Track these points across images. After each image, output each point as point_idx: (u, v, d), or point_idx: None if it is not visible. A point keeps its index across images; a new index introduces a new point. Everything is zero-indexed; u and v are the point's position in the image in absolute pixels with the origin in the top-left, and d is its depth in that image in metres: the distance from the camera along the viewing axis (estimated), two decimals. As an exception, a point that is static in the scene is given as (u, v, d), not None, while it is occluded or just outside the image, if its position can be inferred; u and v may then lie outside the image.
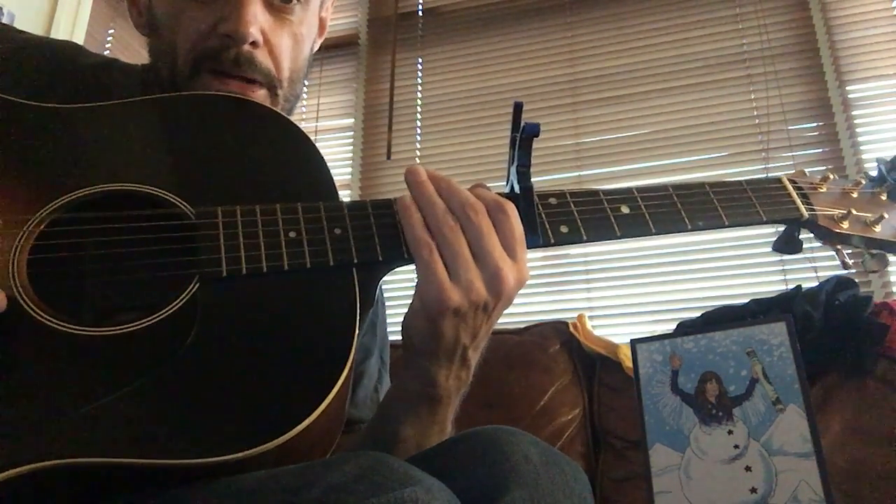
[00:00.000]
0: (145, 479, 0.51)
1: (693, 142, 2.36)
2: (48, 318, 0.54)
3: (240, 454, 0.49)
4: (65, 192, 0.61)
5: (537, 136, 0.66)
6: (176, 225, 0.61)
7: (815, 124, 2.28)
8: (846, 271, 1.87)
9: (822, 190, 0.81)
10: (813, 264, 2.01)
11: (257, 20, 0.74)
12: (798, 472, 0.98)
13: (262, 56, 0.76)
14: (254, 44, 0.74)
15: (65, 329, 0.54)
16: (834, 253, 0.80)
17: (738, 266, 2.17)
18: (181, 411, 0.52)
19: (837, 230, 0.78)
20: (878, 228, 0.79)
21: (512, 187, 0.69)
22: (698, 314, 1.61)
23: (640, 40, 2.51)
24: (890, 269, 2.02)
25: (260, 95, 0.77)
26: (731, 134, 2.33)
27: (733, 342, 1.11)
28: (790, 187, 0.78)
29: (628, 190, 0.71)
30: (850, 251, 0.81)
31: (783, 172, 0.82)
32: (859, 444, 1.32)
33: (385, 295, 0.99)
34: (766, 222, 0.76)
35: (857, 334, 1.40)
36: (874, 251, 0.80)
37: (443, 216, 0.62)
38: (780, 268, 2.12)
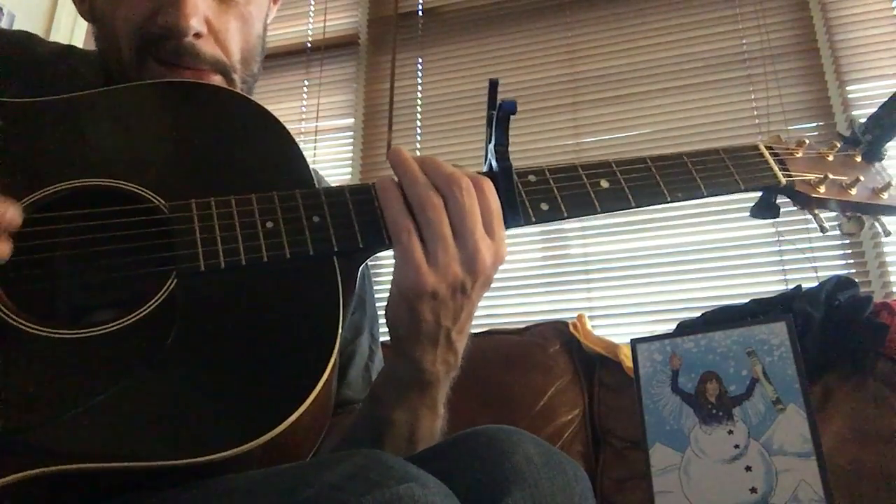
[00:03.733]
0: (135, 482, 0.50)
1: (693, 142, 2.35)
2: (23, 322, 0.53)
3: (227, 453, 0.49)
4: (32, 190, 0.59)
5: (514, 113, 0.65)
6: (150, 220, 0.59)
7: (815, 124, 2.28)
8: (839, 260, 1.87)
9: (798, 155, 0.80)
10: (813, 264, 2.01)
11: (198, 10, 0.71)
12: (798, 472, 0.98)
13: (207, 46, 0.73)
14: (197, 35, 0.71)
15: (40, 333, 0.52)
16: (813, 219, 0.80)
17: (738, 266, 2.17)
18: (165, 412, 0.51)
19: (815, 195, 0.78)
20: (853, 191, 0.79)
21: (490, 166, 0.67)
22: (698, 314, 1.61)
23: (640, 40, 2.51)
24: (890, 269, 2.02)
25: (216, 81, 0.75)
26: (731, 134, 2.33)
27: (733, 342, 1.11)
28: (767, 154, 0.78)
29: (606, 163, 0.71)
30: (827, 215, 0.81)
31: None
32: (859, 444, 1.32)
33: (378, 288, 0.98)
34: (743, 190, 0.75)
35: (857, 334, 1.40)
36: (850, 214, 0.80)
37: (425, 192, 0.61)
38: (780, 268, 2.12)
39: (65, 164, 0.61)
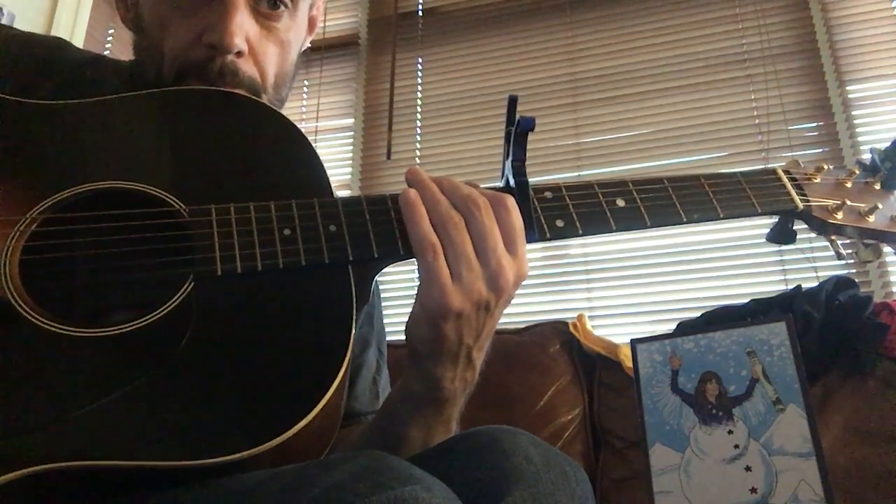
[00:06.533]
0: (144, 481, 0.50)
1: (693, 142, 2.36)
2: (42, 319, 0.53)
3: (237, 455, 0.49)
4: (56, 190, 0.60)
5: (532, 130, 0.65)
6: (169, 223, 0.60)
7: (815, 124, 2.28)
8: (842, 262, 1.87)
9: (816, 181, 0.80)
10: (813, 264, 2.01)
11: (242, 30, 0.74)
12: (798, 472, 0.98)
13: (246, 66, 0.75)
14: (238, 53, 0.74)
15: (59, 331, 0.53)
16: (828, 244, 0.80)
17: (738, 266, 2.17)
18: (178, 413, 0.52)
19: (832, 221, 0.78)
20: (871, 218, 0.78)
21: (507, 182, 0.68)
22: (698, 314, 1.61)
23: (640, 40, 2.51)
24: (890, 269, 2.02)
25: None
26: (731, 134, 2.33)
27: (733, 342, 1.11)
28: (785, 179, 0.78)
29: (623, 182, 0.71)
30: (844, 242, 0.81)
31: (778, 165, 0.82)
32: (859, 444, 1.32)
33: (385, 295, 0.98)
34: (761, 214, 0.75)
35: (857, 334, 1.40)
36: (868, 241, 0.80)
37: (447, 212, 0.61)
38: (780, 268, 2.12)
39: (89, 165, 0.63)
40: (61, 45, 0.86)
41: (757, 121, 2.31)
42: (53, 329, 0.53)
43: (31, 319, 0.53)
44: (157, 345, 0.54)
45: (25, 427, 0.49)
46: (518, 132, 0.66)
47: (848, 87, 2.26)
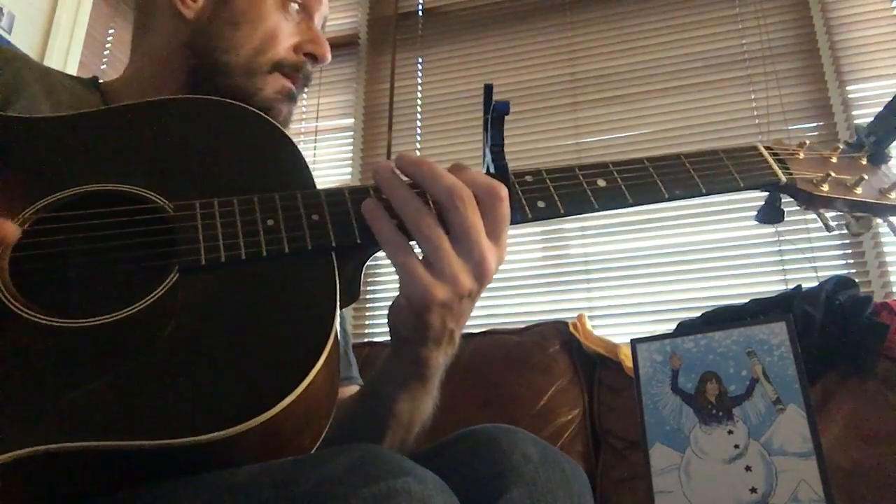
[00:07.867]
0: (130, 467, 0.51)
1: (693, 142, 2.35)
2: (27, 311, 0.55)
3: (223, 433, 0.49)
4: (48, 194, 0.62)
5: (507, 113, 0.66)
6: (155, 219, 0.62)
7: (815, 124, 2.28)
8: (842, 255, 1.87)
9: (799, 156, 0.80)
10: (813, 264, 2.00)
11: None
12: (798, 472, 0.98)
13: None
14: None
15: (47, 322, 0.55)
16: (818, 218, 0.80)
17: (738, 266, 2.17)
18: (165, 394, 0.53)
19: (818, 193, 0.77)
20: (858, 190, 0.78)
21: (487, 168, 0.69)
22: (698, 314, 1.61)
23: (640, 40, 2.51)
24: (890, 269, 2.02)
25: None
26: (732, 134, 2.33)
27: (733, 342, 1.11)
28: (766, 154, 0.78)
29: (604, 164, 0.72)
30: (833, 215, 0.80)
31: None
32: (859, 444, 1.32)
33: (383, 294, 0.99)
34: (743, 188, 0.75)
35: (857, 334, 1.40)
36: (858, 214, 0.79)
37: (417, 215, 0.60)
38: (780, 268, 2.12)
39: (80, 170, 0.65)
40: (23, 55, 0.88)
41: (757, 121, 2.31)
42: (39, 321, 0.55)
43: (20, 313, 0.55)
44: (142, 332, 0.56)
45: (12, 414, 0.49)
46: (494, 117, 0.67)
47: (848, 87, 2.26)
